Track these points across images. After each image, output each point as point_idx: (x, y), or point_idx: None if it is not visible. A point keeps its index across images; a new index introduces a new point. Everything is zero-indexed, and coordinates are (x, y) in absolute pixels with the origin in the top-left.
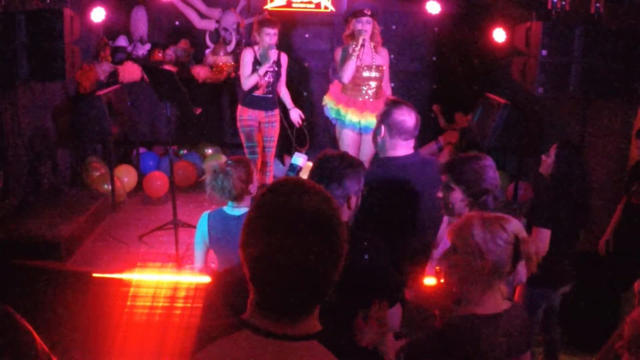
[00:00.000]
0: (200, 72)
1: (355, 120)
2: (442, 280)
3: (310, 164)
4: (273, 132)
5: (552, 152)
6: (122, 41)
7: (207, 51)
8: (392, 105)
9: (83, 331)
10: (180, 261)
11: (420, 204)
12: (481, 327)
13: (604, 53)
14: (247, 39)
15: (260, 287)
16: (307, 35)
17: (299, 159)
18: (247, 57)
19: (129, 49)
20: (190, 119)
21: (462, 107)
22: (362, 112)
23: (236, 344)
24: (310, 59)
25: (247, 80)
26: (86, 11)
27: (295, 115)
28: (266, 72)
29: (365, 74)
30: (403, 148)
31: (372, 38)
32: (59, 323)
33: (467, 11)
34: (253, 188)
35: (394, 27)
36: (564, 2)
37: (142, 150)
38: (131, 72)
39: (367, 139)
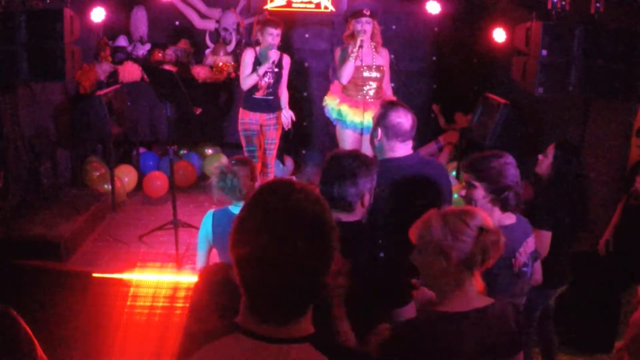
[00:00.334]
0: (200, 72)
1: (357, 120)
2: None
3: None
4: (275, 134)
5: (549, 152)
6: (122, 41)
7: (207, 51)
8: (387, 107)
9: (83, 331)
10: (180, 261)
11: (420, 204)
12: (440, 324)
13: (604, 53)
14: (247, 39)
15: (251, 289)
16: (307, 35)
17: None
18: (248, 57)
19: (129, 49)
20: (190, 119)
21: (462, 107)
22: (363, 112)
23: (228, 348)
24: (310, 59)
25: (246, 80)
26: (86, 11)
27: (287, 116)
28: (266, 72)
29: (366, 74)
30: (401, 149)
31: (372, 38)
32: (59, 323)
33: (467, 11)
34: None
35: (394, 27)
36: (564, 2)
37: (142, 150)
38: (131, 72)
39: (368, 139)
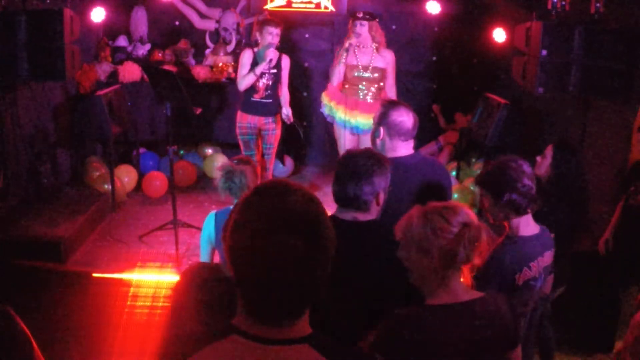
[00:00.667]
0: (200, 72)
1: (343, 118)
2: None
3: None
4: (273, 139)
5: (547, 153)
6: (122, 41)
7: (207, 51)
8: (389, 106)
9: (83, 331)
10: (180, 261)
11: (422, 203)
12: (424, 316)
13: (604, 53)
14: (247, 39)
15: (248, 290)
16: (307, 35)
17: None
18: (246, 57)
19: (129, 49)
20: (190, 119)
21: (462, 107)
22: (351, 111)
23: (225, 350)
24: (310, 59)
25: (243, 80)
26: (86, 11)
27: (284, 113)
28: (264, 74)
29: (357, 73)
30: (403, 148)
31: (373, 39)
32: (59, 323)
33: (467, 11)
34: None
35: (394, 27)
36: (564, 2)
37: (142, 150)
38: (131, 72)
39: (365, 138)
